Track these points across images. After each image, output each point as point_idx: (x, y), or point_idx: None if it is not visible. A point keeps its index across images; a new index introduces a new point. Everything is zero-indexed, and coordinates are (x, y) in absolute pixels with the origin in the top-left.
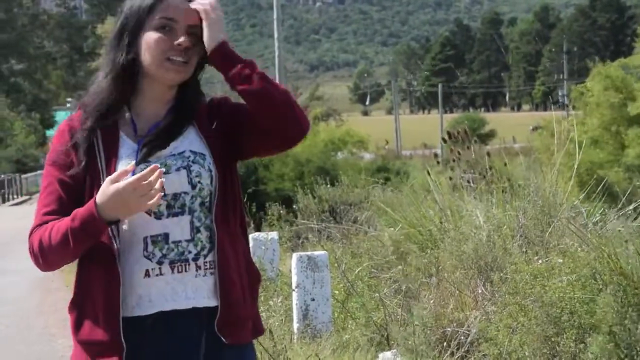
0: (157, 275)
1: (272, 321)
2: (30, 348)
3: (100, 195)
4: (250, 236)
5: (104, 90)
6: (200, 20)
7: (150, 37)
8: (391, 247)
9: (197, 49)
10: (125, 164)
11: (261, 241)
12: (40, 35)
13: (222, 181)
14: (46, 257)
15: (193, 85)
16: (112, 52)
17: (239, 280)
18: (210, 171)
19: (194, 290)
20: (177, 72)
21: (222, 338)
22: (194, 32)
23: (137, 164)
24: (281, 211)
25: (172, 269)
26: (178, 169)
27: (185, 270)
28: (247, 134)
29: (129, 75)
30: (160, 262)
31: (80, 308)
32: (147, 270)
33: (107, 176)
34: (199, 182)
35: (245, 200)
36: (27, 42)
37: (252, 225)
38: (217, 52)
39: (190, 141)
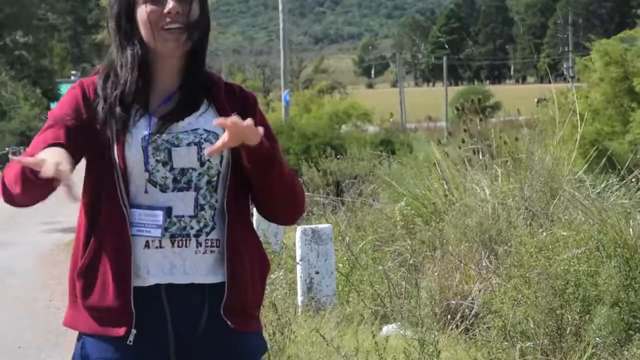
0: (156, 247)
1: (276, 294)
2: (36, 320)
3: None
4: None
5: (127, 80)
6: None
7: (141, 13)
8: (400, 221)
9: (192, 12)
10: (137, 133)
11: None
12: (44, 7)
13: (236, 164)
14: (6, 189)
15: (202, 55)
16: (121, 44)
17: (250, 263)
18: (221, 152)
19: (192, 266)
20: (176, 40)
21: (228, 322)
22: None
23: (151, 135)
24: None
25: (172, 243)
26: (189, 144)
27: (186, 246)
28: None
29: (146, 63)
30: (161, 234)
31: (90, 274)
32: (147, 242)
33: (116, 145)
34: (208, 160)
35: None
36: (31, 14)
37: None
38: (257, 151)
39: (206, 120)
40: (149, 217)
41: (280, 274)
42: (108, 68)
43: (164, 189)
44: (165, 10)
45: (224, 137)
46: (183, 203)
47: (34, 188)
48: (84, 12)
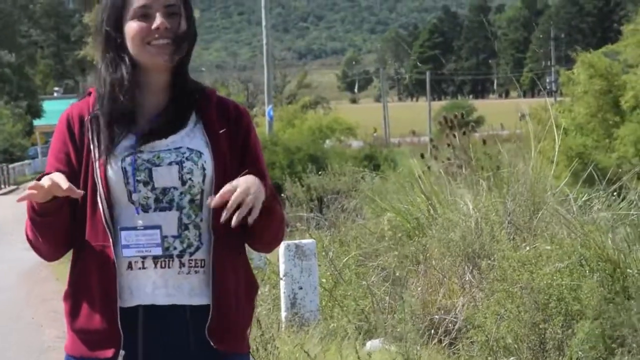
0: (139, 268)
1: (260, 310)
2: (19, 338)
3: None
4: None
5: (114, 99)
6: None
7: (129, 28)
8: (389, 231)
9: (179, 27)
10: (120, 153)
11: None
12: (27, 24)
13: (223, 182)
14: (31, 242)
15: (185, 68)
16: (110, 61)
17: (236, 284)
18: (204, 169)
19: (175, 287)
20: (162, 54)
21: (212, 343)
22: (171, 10)
23: (132, 154)
24: None
25: (155, 264)
26: (170, 164)
27: (169, 267)
28: None
29: (134, 81)
30: (144, 256)
31: (76, 296)
32: (130, 263)
33: (98, 166)
34: (190, 178)
35: None
36: (14, 32)
37: None
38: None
39: (191, 138)
40: (146, 237)
41: (265, 289)
42: (98, 87)
43: (146, 209)
44: (154, 26)
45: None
46: (166, 223)
47: (44, 227)
48: (67, 29)
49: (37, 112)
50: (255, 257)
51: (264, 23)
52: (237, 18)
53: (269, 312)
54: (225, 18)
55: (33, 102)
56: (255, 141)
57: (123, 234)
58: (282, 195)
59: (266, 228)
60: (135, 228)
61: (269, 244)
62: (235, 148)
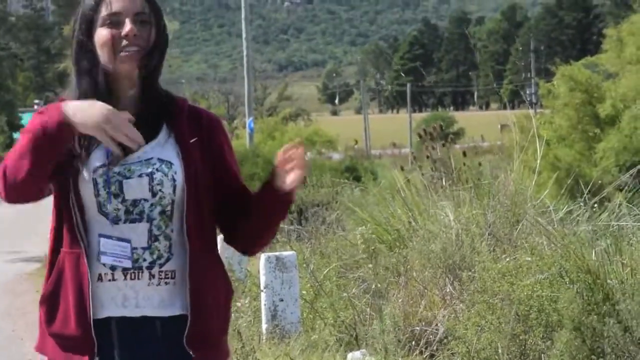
0: (109, 280)
1: (241, 322)
2: (0, 352)
3: (80, 102)
4: (219, 237)
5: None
6: (148, 8)
7: (99, 35)
8: (362, 245)
9: (149, 36)
10: (91, 164)
11: None
12: (6, 37)
13: (196, 191)
14: (8, 175)
15: (156, 79)
16: (80, 69)
17: (214, 293)
18: (174, 180)
19: (145, 298)
20: (131, 60)
21: (190, 352)
22: (141, 18)
23: (107, 166)
24: None
25: (125, 275)
26: (140, 175)
27: (138, 278)
28: (220, 204)
29: (103, 90)
30: (113, 268)
31: (52, 301)
32: (100, 275)
33: (71, 176)
34: (160, 190)
35: None
36: None
37: None
38: (286, 197)
39: (162, 149)
40: (119, 248)
41: (246, 301)
42: (73, 98)
43: (116, 220)
44: (123, 33)
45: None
46: (136, 235)
47: (43, 155)
48: (47, 41)
49: (16, 125)
50: (236, 270)
51: (244, 35)
52: (217, 30)
53: (250, 324)
54: (206, 30)
55: (12, 115)
56: (229, 149)
57: (102, 240)
58: None
59: (274, 223)
60: (111, 237)
61: (266, 236)
62: (208, 157)
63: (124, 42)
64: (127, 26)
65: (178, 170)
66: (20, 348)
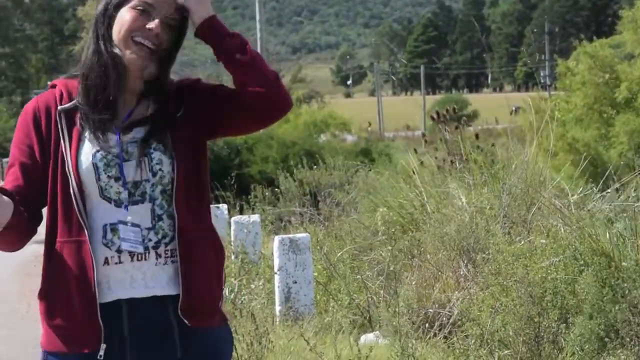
0: (116, 263)
1: (255, 304)
2: (14, 332)
3: None
4: (233, 219)
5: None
6: (180, 15)
7: (124, 13)
8: (382, 227)
9: (168, 41)
10: (92, 145)
11: (243, 224)
12: (21, 18)
13: (186, 167)
14: None
15: (165, 82)
16: (98, 46)
17: (205, 269)
18: (172, 158)
19: (153, 278)
20: (138, 54)
21: (186, 321)
22: (170, 22)
23: (121, 154)
24: (266, 192)
25: (132, 257)
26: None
27: (145, 259)
28: (227, 110)
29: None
30: (119, 251)
31: (53, 293)
32: (106, 258)
33: (71, 160)
34: (160, 169)
35: (233, 182)
36: (8, 26)
37: (237, 208)
38: (209, 23)
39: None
40: (132, 234)
41: (259, 283)
42: (82, 77)
43: (118, 204)
44: (148, 26)
45: None
46: (139, 216)
47: (3, 235)
48: (61, 23)
49: None
50: (249, 252)
51: (258, 17)
52: (231, 12)
53: (263, 306)
54: (220, 12)
55: (26, 96)
56: (206, 83)
57: (121, 227)
58: (276, 189)
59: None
60: (126, 223)
61: (254, 76)
62: (198, 117)
63: (142, 34)
64: (155, 22)
65: (173, 147)
66: (34, 329)
